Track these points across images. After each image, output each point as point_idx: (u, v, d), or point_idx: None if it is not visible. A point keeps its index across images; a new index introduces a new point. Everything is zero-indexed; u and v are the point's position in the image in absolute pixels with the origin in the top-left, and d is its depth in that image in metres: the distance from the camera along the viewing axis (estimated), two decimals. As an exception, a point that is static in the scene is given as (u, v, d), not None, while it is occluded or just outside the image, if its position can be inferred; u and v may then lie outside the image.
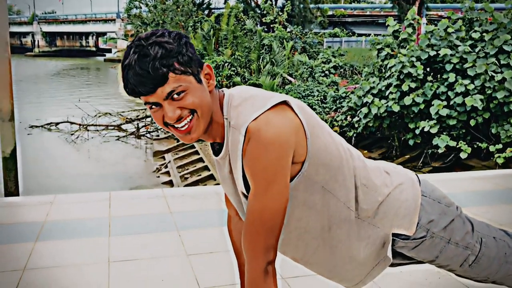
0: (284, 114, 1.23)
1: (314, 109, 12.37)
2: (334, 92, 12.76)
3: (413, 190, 1.50)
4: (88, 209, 3.94)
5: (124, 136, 14.93)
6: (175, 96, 1.19)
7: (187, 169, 11.30)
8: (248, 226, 1.26)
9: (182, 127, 1.24)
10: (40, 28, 74.38)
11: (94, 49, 74.32)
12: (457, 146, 9.64)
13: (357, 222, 1.41)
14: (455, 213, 1.53)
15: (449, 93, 9.80)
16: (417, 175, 1.59)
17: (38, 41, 74.97)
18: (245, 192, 1.31)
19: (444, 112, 9.58)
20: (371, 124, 10.76)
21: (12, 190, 7.35)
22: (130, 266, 2.87)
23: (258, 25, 25.06)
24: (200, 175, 10.68)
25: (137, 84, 1.16)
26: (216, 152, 1.38)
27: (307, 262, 1.49)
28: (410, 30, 11.30)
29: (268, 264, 1.25)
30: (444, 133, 9.81)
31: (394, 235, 1.46)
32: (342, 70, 16.12)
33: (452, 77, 9.77)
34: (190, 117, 1.23)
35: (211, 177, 10.31)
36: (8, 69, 7.24)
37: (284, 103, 1.26)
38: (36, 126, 16.00)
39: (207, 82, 1.26)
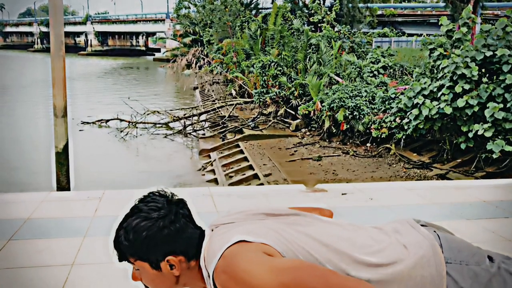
0: (240, 247, 1.28)
1: (362, 110, 12.10)
2: (383, 93, 12.42)
3: (435, 259, 1.35)
4: (135, 206, 3.97)
5: (171, 134, 15.14)
6: (135, 268, 1.40)
7: (232, 167, 11.33)
8: None
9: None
10: (93, 28, 76.84)
11: (144, 48, 76.10)
12: (514, 151, 9.17)
13: None
14: (489, 272, 1.35)
15: (506, 95, 9.35)
16: (438, 234, 1.42)
17: (91, 40, 77.51)
18: None
19: (500, 115, 9.15)
20: (421, 126, 10.41)
21: (64, 184, 7.58)
22: (176, 265, 2.85)
23: (306, 25, 24.86)
24: (245, 174, 10.69)
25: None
26: None
27: None
28: (465, 29, 10.85)
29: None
30: (500, 137, 9.37)
31: None
32: (391, 70, 15.66)
33: (509, 78, 9.31)
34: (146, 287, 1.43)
35: (256, 176, 10.29)
36: (63, 67, 7.46)
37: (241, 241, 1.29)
38: (87, 123, 16.48)
39: (169, 270, 1.37)
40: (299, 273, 1.19)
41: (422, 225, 1.47)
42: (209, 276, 1.31)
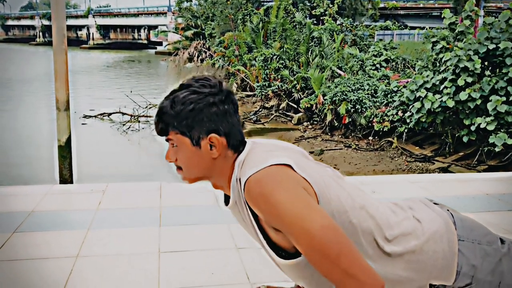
0: (285, 170, 1.24)
1: (364, 103, 12.09)
2: (386, 86, 12.39)
3: (448, 235, 1.37)
4: (139, 199, 3.99)
5: (173, 128, 15.13)
6: (173, 145, 1.36)
7: (234, 161, 11.34)
8: (323, 272, 1.19)
9: (177, 169, 1.41)
10: (95, 21, 76.67)
11: (145, 42, 75.96)
12: (516, 144, 9.16)
13: (388, 279, 1.31)
14: (500, 252, 1.38)
15: (509, 88, 9.32)
16: (451, 213, 1.45)
17: (92, 34, 77.34)
18: (271, 252, 1.30)
19: (503, 108, 9.14)
20: (423, 120, 10.40)
21: (66, 177, 7.60)
22: (180, 257, 2.87)
23: (308, 18, 24.79)
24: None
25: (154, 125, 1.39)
26: (226, 202, 1.43)
27: None
28: (468, 22, 10.80)
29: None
30: (502, 130, 9.36)
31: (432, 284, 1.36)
32: (394, 63, 15.61)
33: (512, 71, 9.30)
34: (178, 168, 1.40)
35: (258, 170, 10.30)
36: (65, 60, 7.46)
37: (287, 165, 1.25)
38: (90, 116, 16.47)
39: (209, 149, 1.31)
40: (327, 230, 1.16)
41: (435, 203, 1.49)
42: (240, 180, 1.27)
